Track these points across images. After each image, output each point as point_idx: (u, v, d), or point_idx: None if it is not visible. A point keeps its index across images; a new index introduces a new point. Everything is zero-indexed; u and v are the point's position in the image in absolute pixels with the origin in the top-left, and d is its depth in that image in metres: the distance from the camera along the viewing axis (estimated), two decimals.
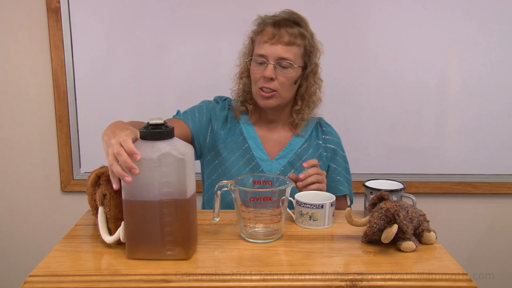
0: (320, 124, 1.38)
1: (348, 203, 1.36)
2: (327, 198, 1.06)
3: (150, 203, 0.84)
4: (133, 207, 0.85)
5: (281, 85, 1.23)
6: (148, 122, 0.85)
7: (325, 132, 1.37)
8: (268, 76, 1.21)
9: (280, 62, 1.21)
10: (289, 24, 1.23)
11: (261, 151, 1.31)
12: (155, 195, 0.83)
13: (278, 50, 1.20)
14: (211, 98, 1.37)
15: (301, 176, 1.11)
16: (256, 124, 1.33)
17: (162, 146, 0.83)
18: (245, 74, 1.31)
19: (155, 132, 0.83)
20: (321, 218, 1.02)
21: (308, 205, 1.02)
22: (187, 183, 0.85)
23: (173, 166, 0.82)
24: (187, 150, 0.85)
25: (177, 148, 0.84)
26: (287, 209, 1.02)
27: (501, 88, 1.69)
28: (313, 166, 1.15)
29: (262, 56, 1.22)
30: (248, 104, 1.32)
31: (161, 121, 0.84)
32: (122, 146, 0.82)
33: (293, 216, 1.06)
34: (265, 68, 1.22)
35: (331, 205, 1.03)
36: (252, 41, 1.28)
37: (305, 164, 1.14)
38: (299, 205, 1.03)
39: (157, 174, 0.82)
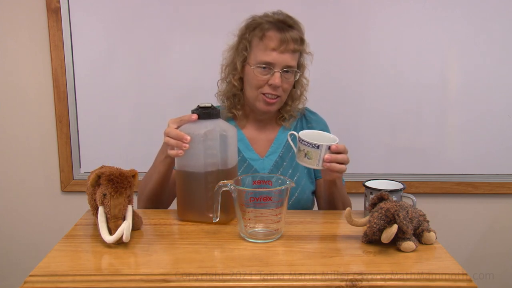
0: (304, 115, 1.40)
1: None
2: (327, 140, 1.06)
3: (197, 173, 1.01)
4: (184, 176, 1.03)
5: (285, 91, 1.26)
6: (198, 105, 1.03)
7: (309, 121, 1.39)
8: (277, 84, 1.21)
9: (286, 70, 1.22)
10: (290, 29, 1.22)
11: (251, 152, 1.31)
12: (201, 165, 1.00)
13: (287, 59, 1.21)
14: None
15: (327, 157, 1.04)
16: (245, 127, 1.34)
17: (208, 124, 1.01)
18: (238, 76, 1.29)
19: (203, 112, 1.01)
20: (315, 158, 1.04)
21: (305, 143, 1.04)
22: (229, 156, 1.02)
23: (216, 140, 0.99)
24: (229, 128, 1.03)
25: (220, 126, 1.02)
26: (291, 143, 1.12)
27: (501, 88, 1.69)
28: (341, 152, 1.08)
29: (269, 63, 1.21)
30: (236, 111, 1.31)
31: (209, 105, 1.02)
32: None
33: (295, 150, 1.10)
34: (271, 75, 1.21)
35: (328, 148, 1.04)
36: (250, 44, 1.25)
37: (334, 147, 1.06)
38: (299, 141, 1.06)
39: (203, 147, 0.99)
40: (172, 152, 1.03)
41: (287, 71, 1.22)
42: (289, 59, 1.21)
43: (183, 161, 1.02)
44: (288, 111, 1.34)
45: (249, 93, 1.27)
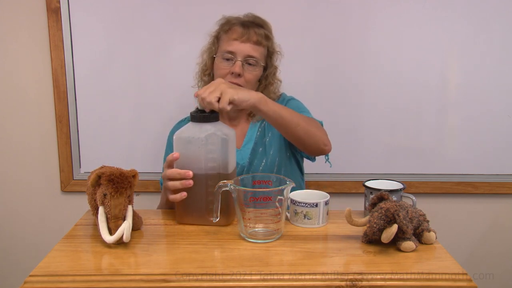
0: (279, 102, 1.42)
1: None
2: (321, 196, 1.06)
3: (197, 176, 1.00)
4: None
5: (247, 82, 1.30)
6: (197, 107, 1.04)
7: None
8: (237, 72, 1.27)
9: (247, 59, 1.28)
10: (256, 26, 1.31)
11: None
12: (201, 168, 1.00)
13: (247, 48, 1.28)
14: None
15: None
16: None
17: (209, 128, 1.00)
18: (208, 72, 1.37)
19: (203, 116, 1.01)
20: (316, 217, 1.03)
21: (302, 204, 1.02)
22: (229, 160, 1.02)
23: (217, 144, 0.99)
24: (230, 132, 1.03)
25: (221, 129, 1.01)
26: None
27: (501, 88, 1.69)
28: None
29: (230, 52, 1.28)
30: None
31: (203, 108, 1.03)
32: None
33: (288, 215, 1.06)
34: (232, 64, 1.28)
35: (326, 204, 1.04)
36: (217, 39, 1.34)
37: None
38: (294, 203, 1.04)
39: (204, 151, 0.99)
40: (175, 197, 1.02)
41: (250, 63, 1.28)
42: (250, 49, 1.28)
43: (184, 164, 1.01)
44: None
45: None
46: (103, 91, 1.68)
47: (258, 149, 1.36)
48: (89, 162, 1.74)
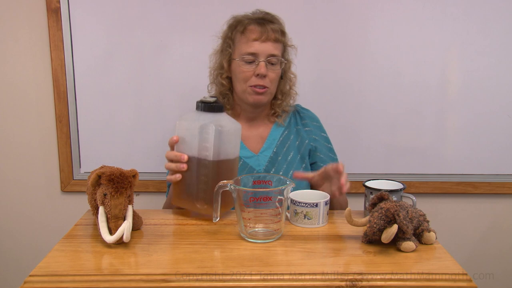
0: (298, 111, 1.42)
1: None
2: (321, 196, 1.06)
3: (191, 162, 1.03)
4: None
5: (272, 82, 1.28)
6: (204, 97, 1.06)
7: (303, 117, 1.41)
8: (263, 73, 1.24)
9: (270, 59, 1.26)
10: (269, 22, 1.27)
11: (244, 149, 1.33)
12: (194, 155, 1.03)
13: (268, 47, 1.25)
14: None
15: (343, 181, 1.07)
16: None
17: (208, 117, 1.03)
18: (226, 75, 1.32)
19: (206, 105, 1.04)
20: (316, 217, 1.03)
21: (302, 204, 1.02)
22: (221, 150, 1.02)
23: (210, 134, 1.01)
24: (230, 125, 1.05)
25: (220, 121, 1.03)
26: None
27: (501, 88, 1.69)
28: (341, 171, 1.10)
29: (252, 54, 1.24)
30: (226, 110, 1.33)
31: (211, 100, 1.04)
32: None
33: (288, 215, 1.06)
34: (256, 66, 1.25)
35: (325, 204, 1.04)
36: (233, 41, 1.30)
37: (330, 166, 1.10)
38: (294, 203, 1.04)
39: (198, 139, 1.02)
40: (170, 178, 1.07)
41: (272, 62, 1.26)
42: (271, 48, 1.25)
43: (181, 149, 1.06)
44: (279, 105, 1.36)
45: (238, 88, 1.30)
46: (103, 91, 1.68)
47: (277, 158, 1.33)
48: (89, 162, 1.74)
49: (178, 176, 1.05)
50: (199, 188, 1.04)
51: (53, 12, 1.62)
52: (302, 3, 1.62)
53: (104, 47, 1.65)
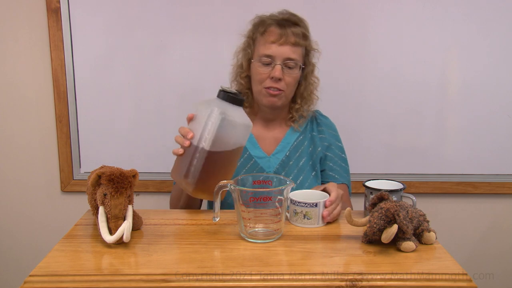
0: (316, 117, 1.41)
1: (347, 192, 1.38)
2: (321, 196, 1.06)
3: (192, 143, 1.04)
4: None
5: (288, 86, 1.26)
6: (228, 87, 1.07)
7: (320, 124, 1.40)
8: (277, 76, 1.22)
9: (287, 62, 1.23)
10: (292, 24, 1.25)
11: (258, 149, 1.32)
12: (197, 137, 1.03)
13: (286, 50, 1.23)
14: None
15: (325, 214, 1.04)
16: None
17: (221, 106, 1.03)
18: (245, 74, 1.32)
19: (225, 94, 1.04)
20: (315, 217, 1.03)
21: (302, 204, 1.02)
22: (219, 138, 1.02)
23: (215, 122, 1.01)
24: (235, 116, 1.03)
25: (228, 110, 1.03)
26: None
27: (501, 88, 1.69)
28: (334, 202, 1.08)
29: (269, 56, 1.23)
30: (244, 109, 1.33)
31: (232, 90, 1.05)
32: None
33: (288, 215, 1.06)
34: (272, 68, 1.23)
35: (325, 204, 1.04)
36: (253, 41, 1.28)
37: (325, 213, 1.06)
38: (293, 203, 1.04)
39: (203, 123, 1.02)
40: (174, 150, 1.07)
41: (289, 66, 1.23)
42: (289, 51, 1.23)
43: (191, 127, 1.07)
44: (297, 110, 1.34)
45: (254, 89, 1.30)
46: (103, 91, 1.68)
47: (289, 162, 1.32)
48: (89, 162, 1.74)
49: (180, 150, 1.05)
50: (190, 170, 1.04)
51: (53, 12, 1.62)
52: (302, 3, 1.62)
53: (104, 47, 1.65)
